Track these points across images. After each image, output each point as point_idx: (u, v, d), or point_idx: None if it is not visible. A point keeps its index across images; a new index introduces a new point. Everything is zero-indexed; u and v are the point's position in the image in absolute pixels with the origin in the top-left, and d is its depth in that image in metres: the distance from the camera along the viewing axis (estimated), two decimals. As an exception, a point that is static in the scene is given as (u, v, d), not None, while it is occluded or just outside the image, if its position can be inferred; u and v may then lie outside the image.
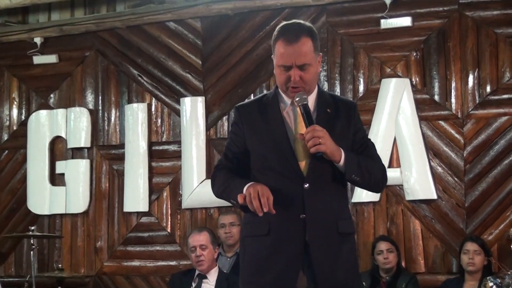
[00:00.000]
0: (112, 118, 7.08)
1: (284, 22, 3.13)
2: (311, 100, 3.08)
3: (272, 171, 3.03)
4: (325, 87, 6.40)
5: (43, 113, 7.23)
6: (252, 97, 6.49)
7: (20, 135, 7.33)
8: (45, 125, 7.19)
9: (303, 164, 3.02)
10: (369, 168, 3.08)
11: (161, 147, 6.90)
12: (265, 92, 6.43)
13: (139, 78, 7.02)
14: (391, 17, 6.24)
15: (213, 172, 3.19)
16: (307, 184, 3.00)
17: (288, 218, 2.99)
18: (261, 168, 3.06)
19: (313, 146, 2.91)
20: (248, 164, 3.11)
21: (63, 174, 7.09)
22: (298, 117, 3.06)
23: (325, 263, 2.99)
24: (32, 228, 6.12)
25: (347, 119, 3.12)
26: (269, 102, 3.12)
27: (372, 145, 3.20)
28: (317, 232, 2.99)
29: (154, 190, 6.86)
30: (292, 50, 3.00)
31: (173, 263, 6.74)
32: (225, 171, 3.12)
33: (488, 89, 6.03)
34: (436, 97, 6.15)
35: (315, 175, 3.01)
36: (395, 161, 6.17)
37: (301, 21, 3.14)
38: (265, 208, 2.85)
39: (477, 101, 6.04)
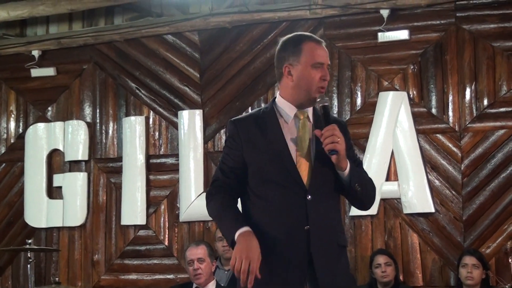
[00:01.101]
0: (110, 131, 7.07)
1: (300, 32, 3.22)
2: (309, 113, 3.11)
3: (273, 183, 3.02)
4: (323, 100, 6.40)
5: (40, 126, 7.22)
6: (250, 110, 6.55)
7: (17, 148, 7.32)
8: (42, 138, 7.19)
9: (305, 176, 3.03)
10: (366, 182, 3.15)
11: (158, 160, 6.90)
12: (262, 105, 6.51)
13: (137, 91, 7.02)
14: (388, 30, 6.26)
15: (209, 189, 3.16)
16: (310, 196, 3.01)
17: (292, 230, 3.00)
18: (261, 181, 3.04)
19: (331, 143, 2.94)
20: (244, 178, 3.10)
21: (60, 187, 7.08)
22: (300, 130, 3.08)
23: (328, 274, 3.00)
24: (29, 241, 6.09)
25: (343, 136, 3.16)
26: (266, 115, 3.13)
27: (361, 162, 3.28)
28: (320, 244, 3.00)
29: (151, 203, 6.84)
30: (324, 51, 3.12)
31: (170, 276, 6.72)
32: (219, 195, 3.09)
33: (486, 102, 6.04)
34: (434, 110, 6.15)
35: (316, 187, 3.03)
36: (392, 174, 6.17)
37: None
38: (249, 285, 2.87)
39: (475, 114, 6.05)
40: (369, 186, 3.15)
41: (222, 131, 6.71)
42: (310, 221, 2.99)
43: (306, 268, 2.99)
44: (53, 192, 7.14)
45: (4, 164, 7.38)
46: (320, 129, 3.05)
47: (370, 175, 3.21)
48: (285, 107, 3.12)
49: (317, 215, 3.00)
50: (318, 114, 3.16)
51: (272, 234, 2.99)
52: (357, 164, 3.17)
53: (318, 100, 3.06)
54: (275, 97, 3.18)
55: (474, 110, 6.05)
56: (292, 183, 3.01)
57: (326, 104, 3.06)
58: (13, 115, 7.42)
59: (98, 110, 7.13)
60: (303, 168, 3.03)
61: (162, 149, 6.90)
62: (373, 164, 6.11)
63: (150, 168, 6.87)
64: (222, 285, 5.59)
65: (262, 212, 3.02)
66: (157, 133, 6.93)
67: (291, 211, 2.99)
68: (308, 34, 3.18)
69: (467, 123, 6.06)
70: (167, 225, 6.80)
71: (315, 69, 3.07)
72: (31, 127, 7.26)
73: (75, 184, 7.02)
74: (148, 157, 6.88)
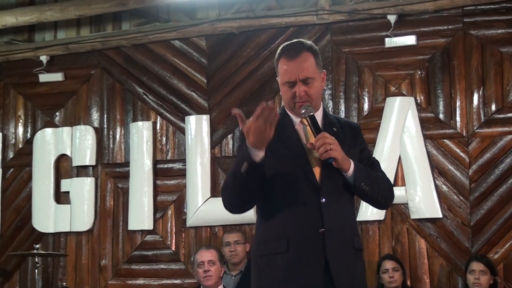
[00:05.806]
0: (117, 136, 7.09)
1: (285, 43, 3.16)
2: (318, 118, 3.09)
3: (289, 185, 3.00)
4: (330, 105, 6.41)
5: (48, 131, 7.24)
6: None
7: (25, 153, 7.34)
8: (50, 143, 7.21)
9: (318, 178, 3.01)
10: (378, 180, 3.11)
11: (166, 165, 6.90)
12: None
13: (144, 96, 7.04)
14: (395, 35, 6.26)
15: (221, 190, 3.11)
16: (324, 198, 2.99)
17: (307, 233, 2.96)
18: (276, 184, 3.01)
19: (324, 152, 2.92)
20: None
21: (68, 192, 7.09)
22: (307, 135, 3.08)
23: (345, 279, 2.96)
24: (37, 246, 6.12)
25: (354, 138, 3.16)
26: (280, 120, 3.09)
27: (378, 162, 3.24)
28: (336, 247, 2.96)
29: (158, 208, 6.85)
30: (294, 65, 3.04)
31: (177, 281, 6.72)
32: None
33: (493, 107, 6.02)
34: (441, 116, 6.14)
35: (329, 189, 3.01)
36: (400, 179, 6.16)
37: (301, 40, 3.18)
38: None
39: (482, 120, 6.03)
40: (382, 184, 3.11)
41: (229, 136, 6.72)
42: (325, 224, 2.96)
43: (322, 273, 2.94)
44: (61, 197, 7.15)
45: (12, 169, 7.40)
46: (331, 134, 3.03)
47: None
48: (291, 114, 3.13)
49: (332, 218, 2.98)
50: (329, 117, 3.16)
51: (287, 237, 2.95)
52: (370, 164, 3.16)
53: (303, 112, 3.04)
54: (283, 104, 3.19)
55: (482, 116, 6.04)
56: (308, 185, 2.99)
57: (311, 114, 3.03)
58: (21, 120, 7.44)
59: (105, 115, 7.15)
60: (316, 171, 3.02)
61: (169, 154, 6.91)
62: (381, 169, 6.10)
63: (157, 173, 6.88)
64: (229, 290, 5.59)
65: (276, 215, 2.99)
66: (164, 138, 6.94)
67: (305, 213, 2.97)
68: (285, 47, 3.12)
69: (475, 128, 6.04)
70: (174, 230, 6.80)
71: (286, 88, 3.07)
72: (39, 132, 7.28)
73: (82, 189, 7.03)
74: (155, 162, 6.89)
